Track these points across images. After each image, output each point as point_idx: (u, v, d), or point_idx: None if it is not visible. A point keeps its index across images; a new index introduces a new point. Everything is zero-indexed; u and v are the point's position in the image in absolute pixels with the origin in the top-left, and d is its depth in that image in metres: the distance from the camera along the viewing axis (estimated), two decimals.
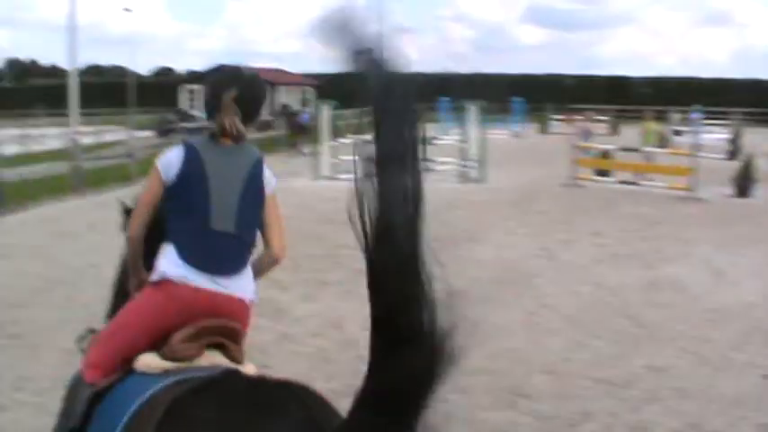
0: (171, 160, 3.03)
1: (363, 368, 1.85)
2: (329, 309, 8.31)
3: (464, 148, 19.97)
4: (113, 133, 31.88)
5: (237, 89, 3.06)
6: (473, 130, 20.11)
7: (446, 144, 22.16)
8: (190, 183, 2.98)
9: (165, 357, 2.75)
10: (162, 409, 2.32)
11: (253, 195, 3.08)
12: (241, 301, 3.00)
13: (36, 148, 31.20)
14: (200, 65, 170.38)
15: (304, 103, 31.40)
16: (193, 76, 54.00)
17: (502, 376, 6.31)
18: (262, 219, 3.14)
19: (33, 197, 16.96)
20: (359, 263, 7.48)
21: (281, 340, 7.25)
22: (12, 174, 17.99)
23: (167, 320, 2.86)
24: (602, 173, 19.26)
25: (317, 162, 20.89)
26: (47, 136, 33.27)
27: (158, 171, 3.04)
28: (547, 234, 12.60)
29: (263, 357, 6.71)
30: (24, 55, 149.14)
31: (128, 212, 3.47)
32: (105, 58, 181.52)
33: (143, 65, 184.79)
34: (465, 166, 19.81)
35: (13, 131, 41.37)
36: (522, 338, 7.29)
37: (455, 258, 9.71)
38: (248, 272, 3.07)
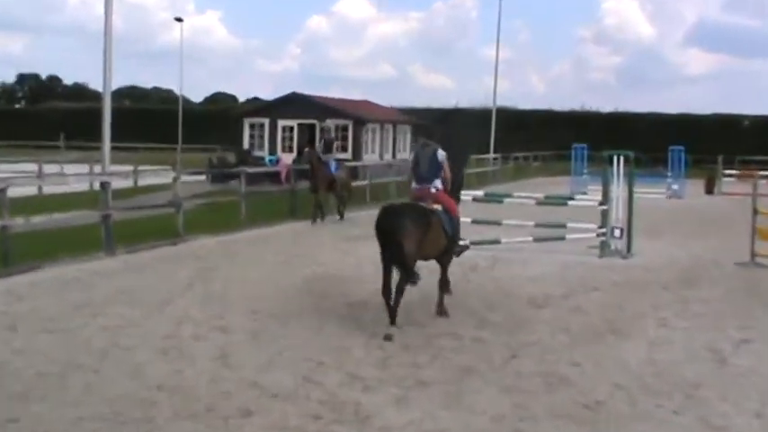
0: (412, 157, 13.69)
1: None
2: (428, 417, 8.35)
3: (605, 210, 19.78)
4: (155, 175, 32.77)
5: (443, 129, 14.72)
6: (617, 187, 19.92)
7: (583, 205, 22.04)
8: (415, 161, 13.23)
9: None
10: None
11: (433, 163, 12.94)
12: (431, 190, 12.88)
13: (54, 189, 32.15)
14: (267, 92, 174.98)
15: (327, 145, 27.87)
16: (258, 107, 55.02)
17: None
18: (441, 169, 13.01)
19: (50, 254, 17.53)
20: (467, 356, 7.71)
21: None
22: (23, 224, 18.54)
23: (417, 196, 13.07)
24: None
25: None
26: (69, 175, 34.29)
27: (410, 160, 13.75)
28: (715, 330, 12.39)
29: None
30: (44, 70, 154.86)
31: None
32: (147, 79, 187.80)
33: (195, 89, 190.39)
34: (607, 235, 19.61)
35: (27, 167, 43.19)
36: None
37: (593, 357, 9.87)
38: (436, 182, 12.93)
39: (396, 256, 12.02)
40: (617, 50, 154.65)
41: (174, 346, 10.70)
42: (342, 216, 26.77)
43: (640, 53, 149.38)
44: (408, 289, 11.98)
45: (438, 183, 13.05)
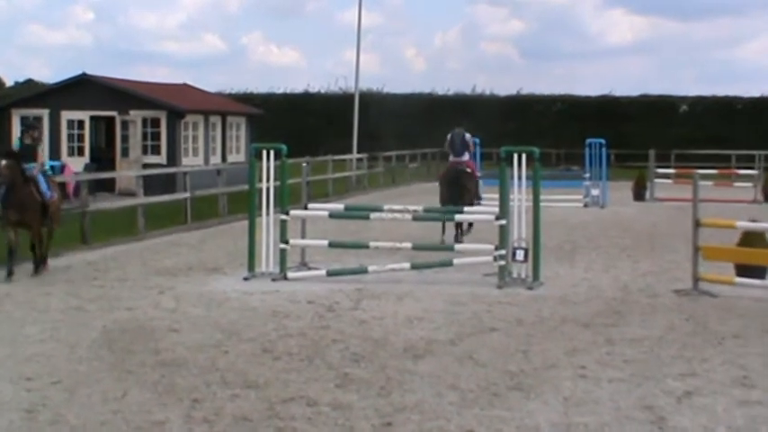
0: (449, 138, 28.63)
1: None
2: None
3: (504, 226, 19.92)
4: None
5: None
6: (519, 194, 20.08)
7: (475, 220, 22.15)
8: (452, 141, 28.29)
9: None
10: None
11: (464, 142, 28.01)
12: (465, 162, 27.95)
13: None
14: (45, 73, 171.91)
15: (27, 150, 22.54)
16: (34, 94, 54.01)
17: None
18: (468, 146, 28.57)
19: None
20: (324, 429, 7.61)
21: None
22: None
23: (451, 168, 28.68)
24: (748, 269, 19.17)
25: (251, 249, 20.78)
26: None
27: (447, 140, 28.98)
28: (651, 380, 12.57)
29: None
30: None
31: None
32: None
33: None
34: (507, 259, 19.76)
35: None
36: None
37: (492, 423, 9.88)
38: (466, 154, 28.12)
39: (461, 197, 25.53)
40: (517, 13, 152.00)
41: None
42: (42, 265, 21.95)
43: (548, 17, 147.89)
44: (246, 340, 11.86)
45: (467, 155, 27.39)
